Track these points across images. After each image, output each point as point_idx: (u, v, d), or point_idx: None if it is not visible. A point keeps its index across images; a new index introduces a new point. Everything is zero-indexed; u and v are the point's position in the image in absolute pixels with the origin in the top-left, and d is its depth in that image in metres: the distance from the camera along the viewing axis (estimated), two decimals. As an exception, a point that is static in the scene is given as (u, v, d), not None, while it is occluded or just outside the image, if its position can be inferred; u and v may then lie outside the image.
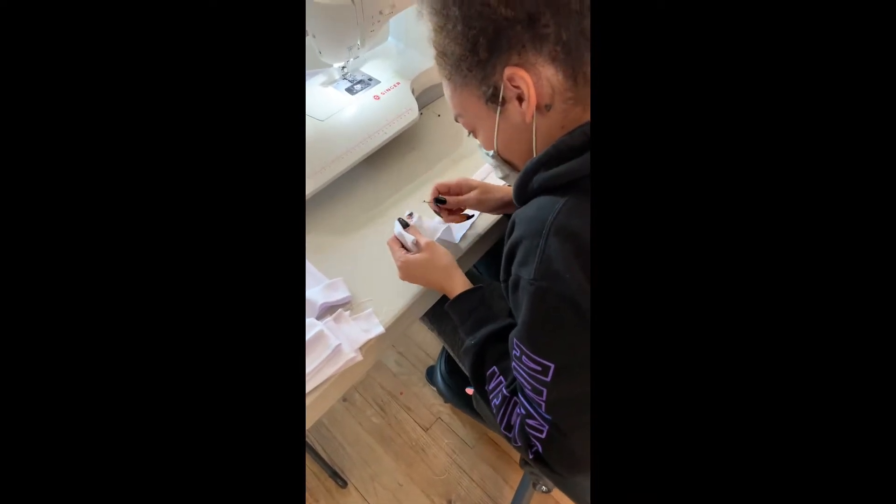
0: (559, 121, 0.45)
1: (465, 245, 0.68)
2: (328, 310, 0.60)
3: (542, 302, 0.42)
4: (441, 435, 1.14)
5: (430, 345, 1.26)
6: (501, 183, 0.65)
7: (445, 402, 1.17)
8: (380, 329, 0.58)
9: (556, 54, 0.41)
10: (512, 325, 0.52)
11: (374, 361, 0.62)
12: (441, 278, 0.58)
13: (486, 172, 0.76)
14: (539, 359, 0.43)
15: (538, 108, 0.44)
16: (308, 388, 0.53)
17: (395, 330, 0.62)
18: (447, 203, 0.66)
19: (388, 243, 0.62)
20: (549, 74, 0.42)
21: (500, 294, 0.56)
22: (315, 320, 0.57)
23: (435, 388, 1.16)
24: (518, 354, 0.46)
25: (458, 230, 0.69)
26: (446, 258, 0.59)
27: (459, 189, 0.66)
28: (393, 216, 0.71)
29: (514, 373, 0.48)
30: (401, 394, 1.19)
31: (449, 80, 0.48)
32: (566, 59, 0.41)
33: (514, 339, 0.46)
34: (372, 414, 1.17)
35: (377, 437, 1.13)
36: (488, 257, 0.75)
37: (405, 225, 0.63)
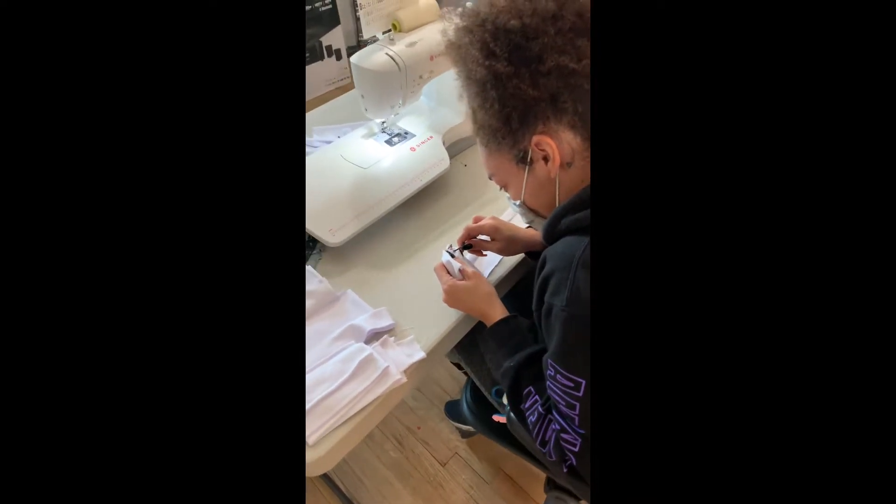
0: (579, 175, 0.54)
1: (493, 280, 0.75)
2: (374, 336, 0.66)
3: (573, 326, 0.49)
4: (458, 470, 1.16)
5: (446, 381, 1.30)
6: (524, 226, 0.74)
7: (463, 437, 1.20)
8: (421, 354, 0.64)
9: (575, 122, 0.50)
10: (544, 350, 0.58)
11: (415, 384, 0.67)
12: (484, 305, 0.65)
13: (510, 215, 0.85)
14: (572, 376, 0.49)
15: (561, 165, 0.53)
16: (358, 407, 0.59)
17: (434, 356, 0.67)
18: (473, 247, 0.74)
19: (435, 269, 0.70)
20: (569, 138, 0.51)
21: (528, 324, 0.63)
22: (365, 345, 0.63)
23: (453, 424, 1.20)
24: (552, 374, 0.52)
25: (487, 266, 0.77)
26: (489, 287, 0.67)
27: (490, 231, 0.74)
28: (427, 255, 0.79)
29: (549, 391, 0.53)
30: (418, 428, 1.22)
31: (486, 146, 0.57)
32: (582, 125, 0.51)
33: (549, 360, 0.52)
34: (390, 448, 1.19)
35: (395, 471, 1.16)
36: (511, 294, 0.82)
37: (452, 255, 0.71)
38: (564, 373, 0.50)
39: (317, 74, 1.22)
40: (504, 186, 0.61)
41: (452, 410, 1.19)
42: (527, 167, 0.55)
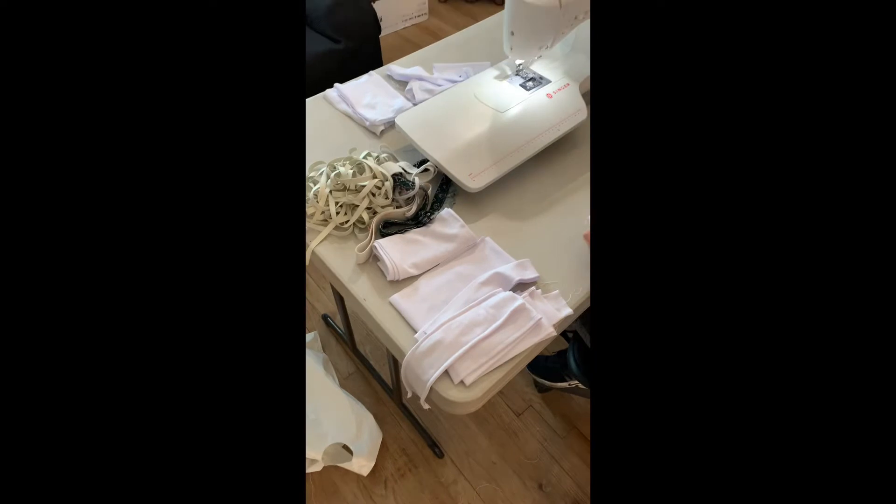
0: None
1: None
2: (520, 286, 0.65)
3: None
4: (533, 422, 1.18)
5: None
6: None
7: (539, 392, 1.22)
8: (568, 310, 0.63)
9: None
10: None
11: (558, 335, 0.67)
12: None
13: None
14: None
15: None
16: (512, 354, 0.59)
17: (576, 314, 0.67)
18: None
19: (585, 237, 0.69)
20: None
21: None
22: (514, 293, 0.62)
23: (532, 376, 1.21)
24: None
25: None
26: None
27: None
28: (561, 209, 0.77)
29: None
30: (495, 378, 1.25)
31: None
32: None
33: None
34: (466, 393, 1.23)
35: (472, 415, 1.19)
36: None
37: None
38: None
39: (392, 10, 1.15)
40: None
41: (536, 364, 1.20)
42: None
